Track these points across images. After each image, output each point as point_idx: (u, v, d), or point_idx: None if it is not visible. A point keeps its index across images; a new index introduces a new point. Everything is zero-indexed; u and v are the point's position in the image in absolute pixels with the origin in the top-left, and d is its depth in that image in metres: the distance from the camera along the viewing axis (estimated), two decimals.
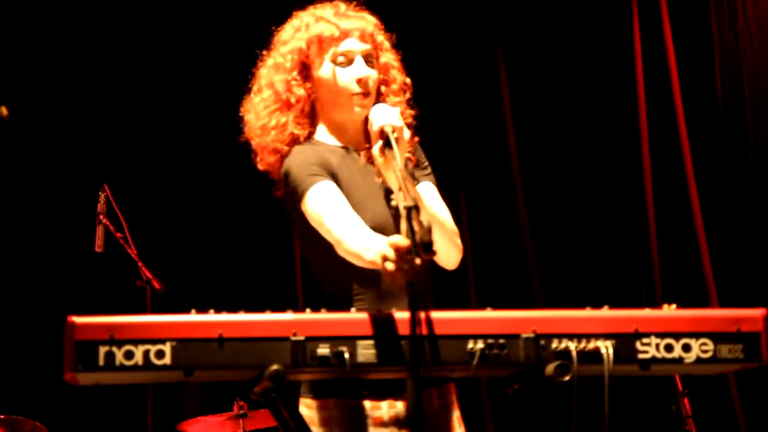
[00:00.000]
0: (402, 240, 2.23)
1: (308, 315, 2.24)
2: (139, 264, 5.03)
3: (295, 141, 2.87)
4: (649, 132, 5.90)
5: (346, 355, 2.20)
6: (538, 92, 6.12)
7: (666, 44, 5.86)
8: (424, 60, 5.69)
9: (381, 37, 2.95)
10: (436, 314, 2.27)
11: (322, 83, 2.88)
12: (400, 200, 2.22)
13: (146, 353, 2.14)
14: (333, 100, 2.88)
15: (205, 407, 5.34)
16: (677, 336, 2.30)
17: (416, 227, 2.15)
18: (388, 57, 2.96)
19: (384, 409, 2.74)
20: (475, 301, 5.95)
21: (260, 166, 2.93)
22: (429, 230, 2.14)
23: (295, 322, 2.21)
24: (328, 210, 2.70)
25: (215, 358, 2.16)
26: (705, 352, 2.30)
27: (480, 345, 2.24)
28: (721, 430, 5.51)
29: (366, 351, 2.21)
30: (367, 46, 2.88)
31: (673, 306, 2.37)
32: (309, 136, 2.90)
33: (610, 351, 2.26)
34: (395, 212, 2.21)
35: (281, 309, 2.24)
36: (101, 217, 5.03)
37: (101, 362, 2.13)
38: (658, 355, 2.29)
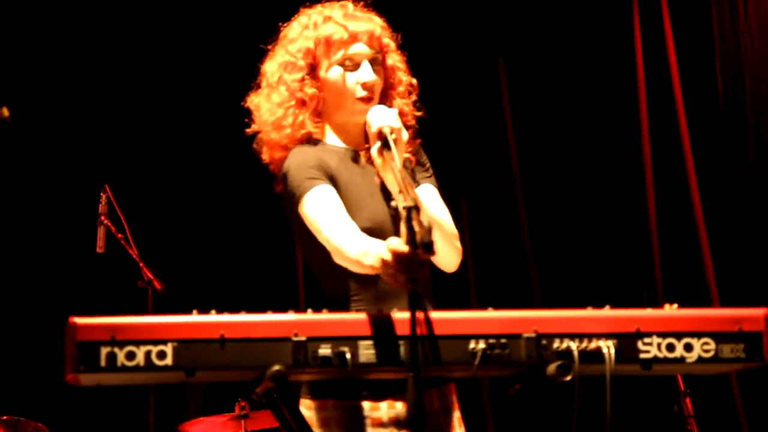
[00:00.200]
0: (401, 245, 2.24)
1: (310, 315, 2.24)
2: (141, 265, 5.03)
3: (309, 139, 2.87)
4: (650, 133, 5.90)
5: (348, 356, 2.20)
6: (539, 91, 6.12)
7: (667, 45, 5.86)
8: (425, 62, 5.69)
9: (387, 39, 2.95)
10: (437, 314, 2.27)
11: (328, 85, 2.88)
12: (399, 201, 2.21)
13: (148, 354, 2.14)
14: (337, 102, 2.88)
15: (206, 408, 5.34)
16: (679, 335, 2.30)
17: (416, 227, 2.15)
18: (394, 58, 2.96)
19: (383, 410, 2.74)
20: (475, 302, 5.94)
21: (265, 157, 2.93)
22: (429, 230, 2.14)
23: (297, 323, 2.21)
24: (324, 217, 2.70)
25: (217, 359, 2.16)
26: (707, 351, 2.30)
27: (481, 345, 2.24)
28: (723, 429, 5.51)
29: (367, 351, 2.21)
30: (374, 50, 2.88)
31: (675, 305, 2.37)
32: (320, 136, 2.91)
33: (612, 351, 2.26)
34: (395, 213, 2.20)
35: (283, 309, 2.24)
36: (102, 217, 5.03)
37: (103, 363, 2.13)
38: (660, 355, 2.29)
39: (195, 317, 2.20)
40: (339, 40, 2.86)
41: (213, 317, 2.20)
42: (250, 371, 2.20)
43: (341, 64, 2.87)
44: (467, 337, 2.24)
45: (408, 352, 2.18)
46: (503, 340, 2.25)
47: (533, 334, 2.26)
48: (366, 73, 2.85)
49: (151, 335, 2.15)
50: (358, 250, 2.57)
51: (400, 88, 2.95)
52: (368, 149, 2.84)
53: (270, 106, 2.90)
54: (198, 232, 5.99)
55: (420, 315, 2.21)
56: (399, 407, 2.74)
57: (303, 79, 2.88)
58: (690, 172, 5.77)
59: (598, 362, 2.25)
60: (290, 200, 2.79)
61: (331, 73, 2.87)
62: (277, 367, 2.16)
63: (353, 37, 2.86)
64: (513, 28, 6.18)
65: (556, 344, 2.26)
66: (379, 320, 2.24)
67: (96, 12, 5.94)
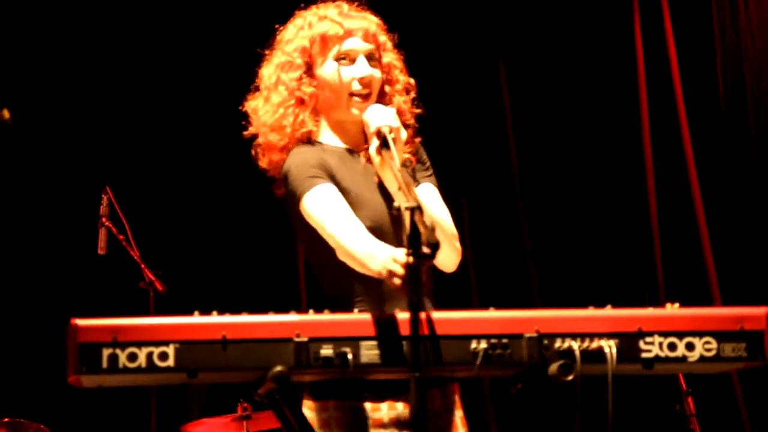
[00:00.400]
0: (405, 257, 2.24)
1: (311, 316, 2.24)
2: (142, 266, 5.03)
3: (309, 137, 2.87)
4: (651, 131, 5.90)
5: (350, 356, 2.20)
6: (539, 89, 6.12)
7: (668, 43, 5.86)
8: (425, 61, 5.69)
9: (383, 38, 2.96)
10: (439, 314, 2.27)
11: (324, 82, 2.88)
12: (401, 201, 2.21)
13: (149, 355, 2.14)
14: (334, 99, 2.88)
15: (208, 409, 5.34)
16: (680, 335, 2.30)
17: (421, 228, 2.15)
18: (391, 57, 2.97)
19: (384, 411, 2.74)
20: (476, 302, 5.94)
21: (262, 164, 2.93)
22: (434, 230, 2.14)
23: (299, 324, 2.21)
24: (328, 214, 2.70)
25: (219, 360, 2.16)
26: (708, 350, 2.30)
27: (483, 345, 2.24)
28: (724, 428, 5.51)
29: (369, 352, 2.22)
30: (370, 46, 2.89)
31: (677, 305, 2.37)
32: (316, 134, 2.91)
33: (614, 350, 2.26)
34: (397, 213, 2.20)
35: (284, 310, 2.24)
36: (104, 219, 5.03)
37: (105, 364, 2.13)
38: (662, 354, 2.29)
39: (197, 318, 2.20)
40: (334, 36, 2.86)
41: (215, 318, 2.20)
42: (252, 372, 2.20)
43: (337, 60, 2.87)
44: (469, 337, 2.25)
45: (410, 352, 2.18)
46: (505, 340, 2.25)
47: (535, 334, 2.26)
48: (362, 68, 2.86)
49: (152, 336, 2.15)
50: (365, 252, 2.57)
51: (398, 86, 2.95)
52: (368, 149, 2.84)
53: (269, 107, 2.90)
54: (199, 233, 5.99)
55: (421, 315, 2.21)
56: (400, 408, 2.74)
57: (300, 78, 2.88)
58: (691, 170, 5.77)
59: (600, 362, 2.25)
60: (291, 199, 2.79)
61: (327, 69, 2.88)
62: (279, 368, 2.16)
63: (348, 33, 2.87)
64: (514, 26, 6.18)
65: (557, 344, 2.26)
66: (380, 321, 2.24)
67: (97, 14, 5.94)
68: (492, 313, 2.29)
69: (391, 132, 2.65)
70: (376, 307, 2.69)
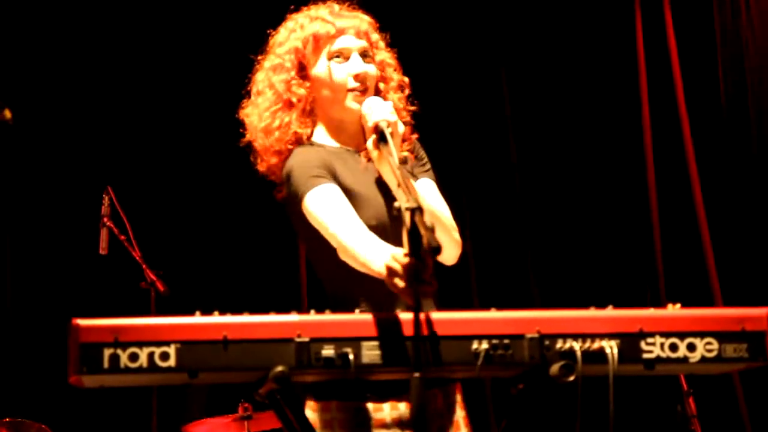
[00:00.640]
0: (405, 258, 2.24)
1: (312, 316, 2.24)
2: (143, 266, 5.03)
3: (298, 140, 2.87)
4: (652, 131, 5.90)
5: (351, 357, 2.20)
6: (540, 87, 6.12)
7: (669, 41, 5.86)
8: (425, 61, 5.70)
9: (376, 36, 2.96)
10: (440, 315, 2.27)
11: (319, 81, 2.88)
12: (402, 201, 2.21)
13: (151, 355, 2.14)
14: (330, 98, 2.88)
15: (209, 409, 5.34)
16: (682, 335, 2.30)
17: (422, 231, 2.14)
18: (384, 55, 2.97)
19: (386, 411, 2.74)
20: (477, 302, 5.94)
21: (261, 168, 2.93)
22: (434, 231, 2.14)
23: (300, 324, 2.21)
24: (331, 214, 2.70)
25: (220, 360, 2.16)
26: (710, 351, 2.30)
27: (484, 345, 2.24)
28: (726, 429, 5.50)
29: (370, 352, 2.21)
30: (364, 43, 2.90)
31: (678, 305, 2.37)
32: (309, 137, 2.90)
33: (615, 351, 2.25)
34: (398, 213, 2.20)
35: (285, 310, 2.24)
36: (105, 219, 5.03)
37: (106, 365, 2.13)
38: (663, 355, 2.29)
39: (198, 318, 2.20)
40: (326, 35, 2.87)
41: (216, 318, 2.20)
42: (253, 372, 2.20)
43: (330, 58, 2.87)
44: (470, 338, 2.24)
45: (411, 352, 2.18)
46: (506, 341, 2.25)
47: (536, 335, 2.26)
48: (356, 65, 2.86)
49: (154, 337, 2.15)
50: (367, 253, 2.57)
51: (393, 84, 2.96)
52: (367, 148, 2.85)
53: (258, 112, 2.91)
54: (200, 233, 5.99)
55: (423, 315, 2.21)
56: (402, 408, 2.74)
57: (290, 80, 2.89)
58: (692, 169, 5.77)
59: (601, 362, 2.25)
60: (294, 199, 2.78)
61: (321, 67, 2.88)
62: (280, 368, 2.16)
63: (340, 31, 2.88)
64: (516, 26, 6.18)
65: (559, 344, 2.26)
66: (382, 321, 2.24)
67: (98, 15, 5.95)
68: (493, 314, 2.29)
69: (388, 126, 2.65)
70: (378, 309, 2.69)
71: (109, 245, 5.02)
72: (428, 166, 2.96)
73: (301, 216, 2.77)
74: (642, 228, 5.89)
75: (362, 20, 2.93)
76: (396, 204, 2.21)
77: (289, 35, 2.93)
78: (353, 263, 2.64)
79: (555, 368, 2.24)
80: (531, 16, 6.16)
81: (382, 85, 2.93)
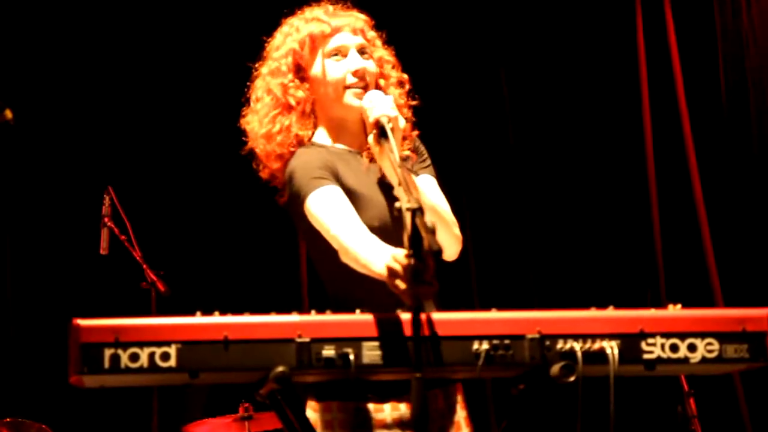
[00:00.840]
0: (405, 259, 2.24)
1: (313, 317, 2.24)
2: (144, 266, 5.03)
3: (300, 143, 2.87)
4: (653, 131, 5.89)
5: (351, 357, 2.20)
6: (541, 87, 6.12)
7: (669, 40, 5.86)
8: (426, 60, 5.69)
9: (372, 34, 2.97)
10: (440, 315, 2.27)
11: (318, 81, 2.88)
12: (403, 201, 2.21)
13: (151, 355, 2.14)
14: (329, 96, 2.87)
15: (210, 409, 5.33)
16: (682, 336, 2.30)
17: (423, 233, 2.14)
18: (382, 52, 2.97)
19: (387, 411, 2.74)
20: (477, 303, 5.94)
21: (264, 175, 2.92)
22: (435, 233, 2.14)
23: (300, 324, 2.21)
24: (332, 216, 2.69)
25: (220, 360, 2.16)
26: (710, 351, 2.30)
27: (485, 346, 2.24)
28: (726, 430, 5.50)
29: (371, 352, 2.21)
30: (360, 40, 2.90)
31: (678, 306, 2.37)
32: (311, 138, 2.90)
33: (616, 351, 2.25)
34: (398, 213, 2.20)
35: (286, 311, 2.24)
36: (106, 219, 5.04)
37: (106, 365, 2.13)
38: (664, 355, 2.29)
39: (198, 319, 2.20)
40: (321, 34, 2.87)
41: (216, 318, 2.20)
42: (253, 372, 2.20)
43: (328, 57, 2.87)
44: (471, 338, 2.24)
45: (412, 353, 2.18)
46: (507, 341, 2.25)
47: (537, 335, 2.26)
48: (354, 61, 2.86)
49: (154, 337, 2.15)
50: (368, 255, 2.56)
51: (391, 81, 2.95)
52: (369, 149, 2.85)
53: (258, 118, 2.91)
54: (201, 233, 5.99)
55: (423, 316, 2.21)
56: (403, 408, 2.74)
57: (288, 83, 2.88)
58: (693, 170, 5.77)
59: (602, 363, 2.25)
60: (296, 200, 2.78)
61: (318, 67, 2.88)
62: (280, 369, 2.16)
63: (336, 30, 2.88)
64: (515, 24, 6.17)
65: (559, 345, 2.26)
66: (382, 321, 2.24)
67: (99, 14, 5.95)
68: (494, 314, 2.29)
69: (389, 122, 2.64)
70: (379, 310, 2.69)
71: (110, 245, 5.02)
72: (428, 162, 2.96)
73: (303, 217, 2.77)
74: (642, 228, 5.89)
75: (357, 18, 2.94)
76: (397, 204, 2.21)
77: (285, 39, 2.93)
78: (354, 265, 2.64)
79: (556, 369, 2.24)
80: (531, 16, 6.16)
81: (382, 82, 2.93)
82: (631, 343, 2.28)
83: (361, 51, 2.89)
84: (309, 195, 2.73)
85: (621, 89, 5.99)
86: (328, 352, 2.19)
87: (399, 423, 2.73)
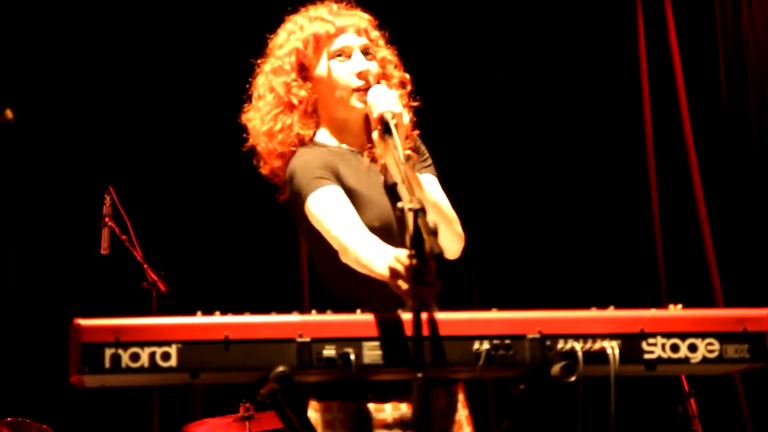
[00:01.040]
0: (408, 260, 2.24)
1: (314, 316, 2.24)
2: (145, 266, 5.03)
3: (301, 142, 2.87)
4: (653, 131, 5.89)
5: (352, 357, 2.20)
6: (541, 87, 6.12)
7: (670, 39, 5.86)
8: (427, 60, 5.69)
9: (375, 33, 2.96)
10: (441, 315, 2.27)
11: (322, 81, 2.88)
12: (405, 201, 2.21)
13: (152, 355, 2.14)
14: (333, 98, 2.87)
15: (210, 409, 5.34)
16: (683, 336, 2.30)
17: (425, 235, 2.14)
18: (385, 52, 2.97)
19: (388, 411, 2.74)
20: (478, 303, 5.94)
21: (264, 171, 2.92)
22: (437, 234, 2.14)
23: (301, 324, 2.21)
24: (333, 216, 2.69)
25: (221, 360, 2.16)
26: (711, 352, 2.30)
27: (486, 346, 2.24)
28: (727, 430, 5.50)
29: (372, 352, 2.21)
30: (364, 40, 2.89)
31: (679, 306, 2.37)
32: (312, 138, 2.90)
33: (616, 351, 2.25)
34: (401, 214, 2.20)
35: (287, 310, 2.24)
36: (106, 219, 5.04)
37: (107, 364, 2.13)
38: (664, 356, 2.29)
39: (199, 318, 2.20)
40: (326, 35, 2.87)
41: (217, 318, 2.20)
42: (254, 372, 2.20)
43: (332, 58, 2.87)
44: (471, 338, 2.24)
45: (413, 352, 2.18)
46: (507, 341, 2.25)
47: (537, 335, 2.26)
48: (358, 62, 2.86)
49: (155, 336, 2.15)
50: (369, 255, 2.56)
51: (393, 81, 2.95)
52: (371, 149, 2.85)
53: (260, 115, 2.91)
54: (202, 233, 5.99)
55: (424, 316, 2.21)
56: (404, 408, 2.74)
57: (291, 82, 2.88)
58: (694, 170, 5.77)
59: (603, 363, 2.25)
60: (296, 200, 2.78)
61: (323, 68, 2.88)
62: (281, 369, 2.16)
63: (340, 30, 2.87)
64: (515, 24, 6.17)
65: (560, 345, 2.26)
66: (383, 321, 2.24)
67: (100, 14, 5.95)
68: (494, 314, 2.29)
69: (393, 118, 2.64)
70: (379, 310, 2.69)
71: (111, 245, 5.02)
72: (430, 161, 2.96)
73: (303, 217, 2.77)
74: (643, 228, 5.88)
75: (361, 18, 2.93)
76: (399, 205, 2.21)
77: (289, 37, 2.93)
78: (355, 265, 2.63)
79: (556, 369, 2.24)
80: (532, 15, 6.16)
81: (384, 82, 2.93)
82: (631, 343, 2.28)
83: (365, 52, 2.88)
84: (310, 195, 2.73)
85: (621, 88, 5.99)
86: (329, 352, 2.19)
87: (400, 423, 2.73)
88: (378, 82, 2.89)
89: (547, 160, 6.11)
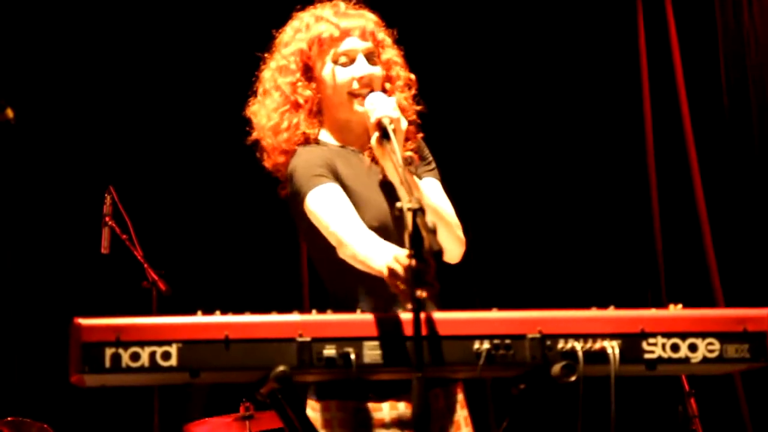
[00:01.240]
0: (407, 259, 2.24)
1: (314, 316, 2.24)
2: (145, 266, 5.03)
3: (307, 140, 2.88)
4: (654, 131, 5.89)
5: (352, 356, 2.20)
6: (542, 86, 6.12)
7: (670, 39, 5.86)
8: (424, 60, 5.69)
9: (382, 35, 2.96)
10: (441, 315, 2.27)
11: (325, 84, 2.88)
12: (404, 201, 2.21)
13: (152, 355, 2.14)
14: (335, 100, 2.88)
15: (210, 409, 5.34)
16: (683, 336, 2.30)
17: (424, 233, 2.14)
18: (391, 53, 2.96)
19: (385, 411, 2.74)
20: (478, 302, 5.94)
21: (267, 165, 2.94)
22: (436, 233, 2.14)
23: (301, 323, 2.21)
24: (331, 213, 2.70)
25: (221, 360, 2.16)
26: (711, 351, 2.30)
27: (486, 345, 2.24)
28: (727, 430, 5.50)
29: (372, 352, 2.21)
30: (368, 44, 2.89)
31: (680, 306, 2.37)
32: (317, 136, 2.91)
33: (617, 351, 2.25)
34: (400, 213, 2.20)
35: (287, 310, 2.24)
36: (107, 218, 5.04)
37: (107, 364, 2.13)
38: (665, 355, 2.29)
39: (199, 318, 2.20)
40: (329, 38, 2.86)
41: (217, 318, 2.20)
42: (254, 372, 2.20)
43: (335, 61, 2.87)
44: (471, 338, 2.24)
45: (413, 352, 2.18)
46: (507, 341, 2.25)
47: (538, 335, 2.26)
48: (361, 68, 2.86)
49: (155, 336, 2.15)
50: (367, 251, 2.57)
51: (399, 83, 2.95)
52: (372, 149, 2.85)
53: (266, 111, 2.91)
54: (202, 233, 5.99)
55: (424, 315, 2.21)
56: (401, 407, 2.74)
57: (297, 82, 2.89)
58: (694, 171, 5.77)
59: (603, 363, 2.25)
60: (296, 198, 2.79)
61: (326, 71, 2.88)
62: (281, 368, 2.16)
63: (345, 33, 2.87)
64: (517, 24, 6.17)
65: (560, 344, 2.26)
66: (383, 321, 2.24)
67: (100, 13, 5.95)
68: (495, 314, 2.29)
69: (391, 123, 2.64)
70: (378, 308, 2.69)
71: (111, 244, 5.02)
72: (433, 165, 2.96)
73: (302, 215, 2.78)
74: (643, 228, 5.88)
75: (368, 20, 2.92)
76: (398, 204, 2.21)
77: (295, 35, 2.93)
78: (353, 261, 2.64)
79: (556, 368, 2.24)
80: (532, 15, 6.15)
81: (388, 85, 2.93)
82: (632, 342, 2.28)
83: (369, 56, 2.88)
84: (309, 193, 2.74)
85: (622, 88, 5.99)
86: (329, 351, 2.19)
87: (398, 422, 2.73)
88: (382, 86, 2.89)
89: (547, 160, 6.11)
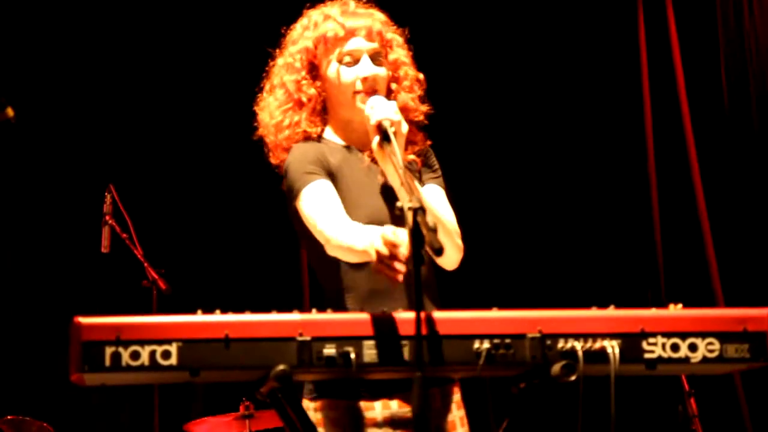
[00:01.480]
0: (395, 236, 2.25)
1: (314, 315, 2.24)
2: (145, 264, 5.03)
3: (307, 138, 2.88)
4: (654, 132, 5.89)
5: (352, 356, 2.20)
6: (542, 86, 6.12)
7: (671, 40, 5.86)
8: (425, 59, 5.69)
9: (390, 34, 2.95)
10: (441, 314, 2.27)
11: (329, 83, 2.89)
12: (404, 200, 2.21)
13: (152, 354, 2.14)
14: (339, 99, 2.89)
15: (211, 407, 5.34)
16: (683, 336, 2.30)
17: (424, 231, 2.14)
18: (399, 53, 2.96)
19: (378, 410, 2.74)
20: (478, 302, 5.92)
21: (273, 161, 2.96)
22: (436, 232, 2.14)
23: (301, 323, 2.21)
24: (319, 211, 2.72)
25: (221, 359, 2.16)
26: (711, 351, 2.30)
27: (486, 345, 2.24)
28: (727, 429, 5.50)
29: (372, 351, 2.21)
30: (374, 45, 2.88)
31: (680, 305, 2.37)
32: (320, 135, 2.91)
33: (617, 351, 2.25)
34: (400, 213, 2.20)
35: (287, 309, 2.24)
36: (107, 217, 5.04)
37: (107, 363, 2.13)
38: (665, 355, 2.29)
39: (199, 317, 2.20)
40: (334, 37, 2.87)
41: (217, 317, 2.20)
42: (254, 371, 2.20)
43: (340, 60, 2.87)
44: (471, 337, 2.24)
45: (412, 352, 2.18)
46: (507, 340, 2.25)
47: (538, 334, 2.26)
48: (365, 68, 2.86)
49: (155, 335, 2.15)
50: (349, 238, 2.58)
51: (406, 83, 2.95)
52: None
53: (270, 109, 2.93)
54: (202, 232, 6.00)
55: (424, 315, 2.22)
56: (394, 406, 2.75)
57: (301, 80, 2.89)
58: (694, 171, 5.77)
59: (603, 362, 2.25)
60: (290, 195, 2.82)
61: (331, 70, 2.88)
62: (281, 367, 2.16)
63: (350, 33, 2.87)
64: (517, 24, 6.17)
65: (560, 344, 2.26)
66: (383, 320, 2.24)
67: (101, 12, 5.95)
68: (495, 313, 2.29)
69: (392, 126, 2.64)
70: (365, 302, 2.70)
71: (111, 243, 5.02)
72: (439, 173, 2.96)
73: (296, 212, 2.79)
74: (643, 228, 5.89)
75: (375, 20, 2.92)
76: (398, 204, 2.21)
77: (303, 33, 2.93)
78: (339, 253, 2.65)
79: (556, 368, 2.24)
80: (532, 15, 6.16)
81: (394, 86, 2.93)
82: (632, 342, 2.28)
83: (374, 56, 2.88)
84: (301, 191, 2.76)
85: (622, 88, 5.99)
86: (329, 350, 2.19)
87: (390, 421, 2.74)
88: (388, 87, 2.89)
89: (547, 160, 6.11)
